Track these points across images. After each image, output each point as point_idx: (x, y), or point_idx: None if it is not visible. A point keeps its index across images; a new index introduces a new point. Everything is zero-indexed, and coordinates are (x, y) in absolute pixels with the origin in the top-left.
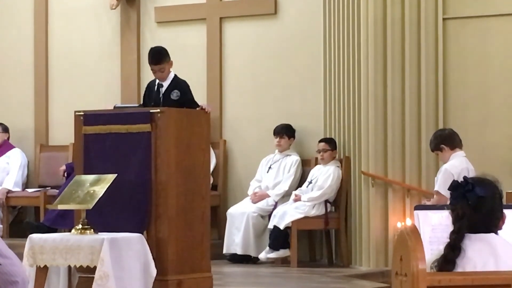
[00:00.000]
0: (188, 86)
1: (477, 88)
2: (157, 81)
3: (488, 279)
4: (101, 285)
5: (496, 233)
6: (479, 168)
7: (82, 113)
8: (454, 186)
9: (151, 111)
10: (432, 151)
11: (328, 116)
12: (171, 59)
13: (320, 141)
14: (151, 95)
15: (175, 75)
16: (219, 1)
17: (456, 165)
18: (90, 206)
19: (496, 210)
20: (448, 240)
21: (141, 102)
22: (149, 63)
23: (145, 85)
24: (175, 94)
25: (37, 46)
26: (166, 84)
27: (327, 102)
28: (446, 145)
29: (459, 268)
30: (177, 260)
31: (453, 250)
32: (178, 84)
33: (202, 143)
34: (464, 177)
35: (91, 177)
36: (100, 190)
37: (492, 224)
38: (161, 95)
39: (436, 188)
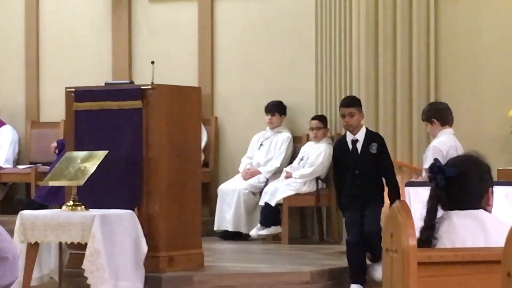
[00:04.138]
0: (383, 139)
1: (468, 64)
2: (349, 138)
3: (479, 255)
4: (92, 261)
5: (486, 210)
6: (470, 144)
7: (73, 90)
8: (430, 167)
9: (142, 87)
10: (423, 120)
11: (319, 93)
12: (163, 36)
13: (313, 118)
14: (346, 154)
15: (367, 129)
16: None
17: (445, 142)
18: (81, 182)
19: (473, 187)
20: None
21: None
22: (340, 106)
23: (137, 62)
24: (374, 147)
25: (28, 22)
26: (361, 138)
27: (318, 79)
28: (438, 119)
29: (448, 245)
30: (168, 236)
31: (427, 229)
32: (374, 136)
33: (194, 120)
34: (435, 159)
35: (82, 154)
36: (91, 166)
37: (472, 201)
38: (359, 150)
39: (425, 166)
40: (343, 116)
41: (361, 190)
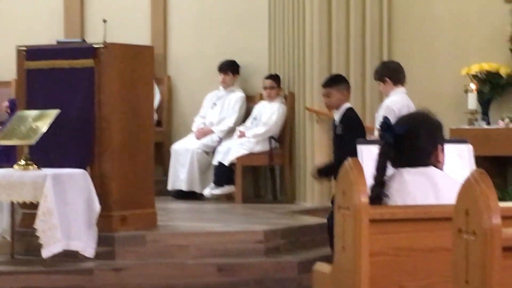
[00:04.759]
0: (352, 121)
1: (422, 23)
2: None
3: (430, 213)
4: (45, 221)
5: (436, 167)
6: (423, 103)
7: (24, 48)
8: (380, 125)
9: (94, 46)
10: (375, 79)
11: (272, 52)
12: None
13: (267, 77)
14: None
15: (348, 109)
16: None
17: (397, 101)
18: (33, 141)
19: (422, 144)
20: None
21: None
22: None
23: (89, 21)
24: (339, 129)
25: None
26: (337, 118)
27: (271, 38)
28: (390, 78)
29: (399, 202)
30: (121, 196)
31: (376, 186)
32: (345, 118)
33: (146, 79)
34: (384, 117)
35: (34, 113)
36: (43, 125)
37: (421, 158)
38: (335, 131)
39: (377, 125)
40: (323, 95)
41: None
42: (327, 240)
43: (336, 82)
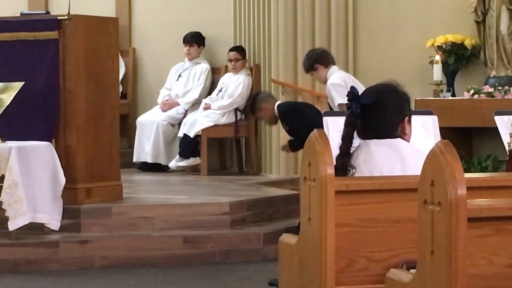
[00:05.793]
0: (284, 115)
1: None
2: None
3: (396, 184)
4: (10, 193)
5: (403, 139)
6: (388, 75)
7: None
8: (346, 95)
9: (58, 18)
10: (307, 72)
11: (238, 24)
12: None
13: (231, 50)
14: None
15: (277, 108)
16: None
17: (338, 76)
18: None
19: (389, 116)
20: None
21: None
22: None
23: None
24: (287, 128)
25: None
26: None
27: (237, 10)
28: (320, 63)
29: (366, 173)
30: (86, 168)
31: (342, 156)
32: (281, 118)
33: (111, 50)
34: (351, 87)
35: None
36: (7, 98)
37: (388, 130)
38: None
39: (336, 105)
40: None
41: None
42: (293, 211)
43: (252, 109)
